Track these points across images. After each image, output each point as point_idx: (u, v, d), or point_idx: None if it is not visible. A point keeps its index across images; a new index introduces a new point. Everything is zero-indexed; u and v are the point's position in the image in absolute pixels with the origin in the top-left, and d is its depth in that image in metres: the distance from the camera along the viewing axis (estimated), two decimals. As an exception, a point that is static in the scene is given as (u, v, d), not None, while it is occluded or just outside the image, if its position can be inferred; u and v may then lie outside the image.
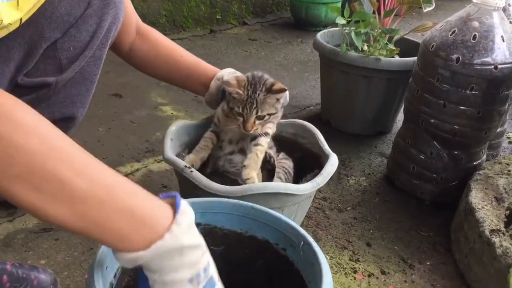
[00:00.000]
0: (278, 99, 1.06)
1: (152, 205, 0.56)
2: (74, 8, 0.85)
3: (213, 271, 0.60)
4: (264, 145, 1.07)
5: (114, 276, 0.68)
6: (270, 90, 1.04)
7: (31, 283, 0.90)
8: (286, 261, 0.78)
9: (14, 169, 0.48)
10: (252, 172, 1.02)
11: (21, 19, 0.75)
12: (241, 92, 1.02)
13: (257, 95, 1.03)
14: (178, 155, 1.08)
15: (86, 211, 0.51)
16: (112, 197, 0.53)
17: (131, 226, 0.53)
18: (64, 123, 0.99)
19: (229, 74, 1.12)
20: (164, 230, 0.54)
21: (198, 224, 0.75)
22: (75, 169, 0.51)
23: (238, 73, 1.13)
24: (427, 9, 1.61)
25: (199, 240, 0.58)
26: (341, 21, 1.63)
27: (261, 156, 1.06)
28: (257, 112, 1.03)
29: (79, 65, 0.91)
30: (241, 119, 1.04)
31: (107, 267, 0.65)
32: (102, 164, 0.54)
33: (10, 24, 0.74)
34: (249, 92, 1.03)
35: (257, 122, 1.04)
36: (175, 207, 0.56)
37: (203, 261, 0.58)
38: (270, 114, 1.06)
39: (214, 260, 0.62)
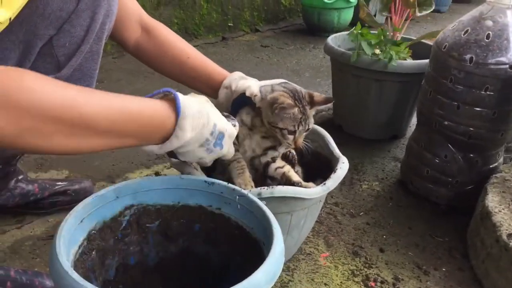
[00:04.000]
0: None
1: (159, 112, 0.72)
2: (66, 3, 0.84)
3: (219, 127, 0.79)
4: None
5: (79, 247, 0.72)
6: (314, 103, 1.00)
7: (36, 290, 0.89)
8: (221, 218, 0.82)
9: (47, 127, 0.60)
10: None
11: (10, 18, 0.75)
12: (297, 112, 0.97)
13: (307, 111, 0.99)
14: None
15: (114, 136, 0.68)
16: (126, 120, 0.69)
17: (149, 133, 0.72)
18: None
19: (236, 80, 1.09)
20: (170, 133, 0.73)
21: (131, 206, 0.80)
22: (97, 112, 0.65)
23: (248, 77, 1.10)
24: (422, 12, 1.58)
25: (201, 122, 0.75)
26: (351, 37, 1.62)
27: None
28: (308, 126, 1.00)
29: (77, 61, 0.90)
30: (292, 137, 1.00)
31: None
32: (106, 93, 0.68)
33: (1, 23, 0.73)
34: (301, 109, 0.98)
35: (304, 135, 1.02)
36: (175, 107, 0.73)
37: (207, 128, 0.76)
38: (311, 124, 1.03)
39: (150, 235, 0.81)
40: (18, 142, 0.59)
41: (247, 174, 1.01)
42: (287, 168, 1.04)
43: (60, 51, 0.87)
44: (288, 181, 1.01)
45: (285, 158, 1.09)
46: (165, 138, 0.73)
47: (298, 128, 0.99)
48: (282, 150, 1.07)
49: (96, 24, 0.89)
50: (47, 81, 0.62)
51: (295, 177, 1.02)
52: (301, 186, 1.00)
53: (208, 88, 1.11)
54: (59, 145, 0.62)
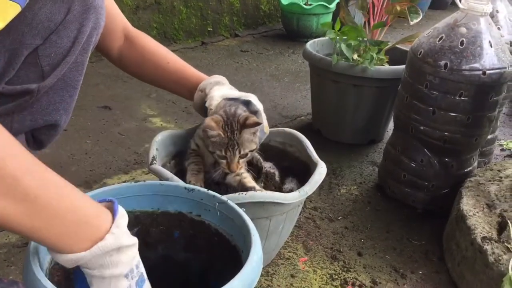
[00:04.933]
0: (254, 133, 1.03)
1: (95, 207, 0.60)
2: (54, 14, 0.83)
3: (142, 267, 0.66)
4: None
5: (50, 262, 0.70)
6: (244, 125, 1.00)
7: (11, 299, 0.87)
8: (201, 224, 0.82)
9: None
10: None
11: None
12: (222, 134, 0.99)
13: (235, 135, 0.99)
14: (164, 166, 1.07)
15: (36, 208, 0.53)
16: (60, 196, 0.55)
17: (76, 225, 0.56)
18: (47, 130, 0.97)
19: (211, 84, 1.10)
20: (106, 231, 0.59)
21: None
22: (27, 168, 0.53)
23: (225, 84, 1.11)
24: (414, 21, 1.60)
25: (134, 239, 0.63)
26: (331, 35, 1.63)
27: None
28: (239, 152, 1.01)
29: (61, 71, 0.89)
30: (224, 161, 1.01)
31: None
32: (46, 167, 0.57)
33: None
34: (228, 134, 0.99)
35: (240, 161, 1.02)
36: (113, 211, 0.61)
37: (136, 258, 0.64)
38: (251, 151, 1.04)
39: None
40: None
41: (201, 177, 1.04)
42: (244, 175, 1.05)
43: (45, 61, 0.86)
44: (243, 187, 1.02)
45: (250, 163, 1.11)
46: (95, 241, 0.58)
47: (226, 154, 1.00)
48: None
49: (83, 36, 0.88)
50: None
51: (250, 183, 1.04)
52: (255, 191, 0.99)
53: (187, 91, 1.14)
54: None
